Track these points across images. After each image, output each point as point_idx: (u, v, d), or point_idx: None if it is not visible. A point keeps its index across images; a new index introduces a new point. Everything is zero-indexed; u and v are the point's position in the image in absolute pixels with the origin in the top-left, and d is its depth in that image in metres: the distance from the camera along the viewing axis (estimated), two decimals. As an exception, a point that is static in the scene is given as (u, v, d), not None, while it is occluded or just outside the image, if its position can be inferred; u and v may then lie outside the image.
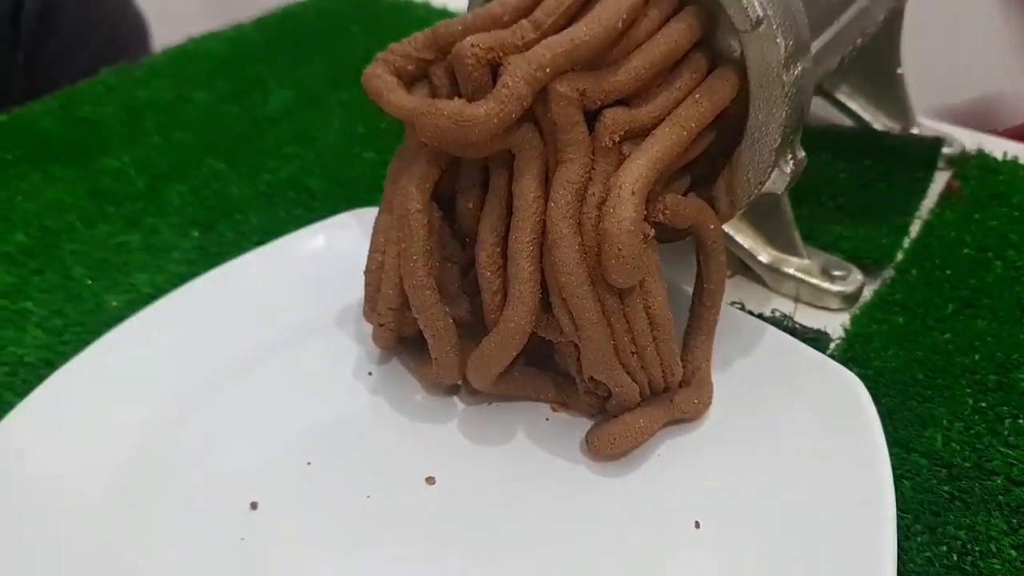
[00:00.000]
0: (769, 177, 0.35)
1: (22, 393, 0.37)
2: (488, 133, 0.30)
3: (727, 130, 0.34)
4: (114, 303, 0.42)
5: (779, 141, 0.33)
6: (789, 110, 0.33)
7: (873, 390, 0.37)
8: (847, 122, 0.55)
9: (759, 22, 0.31)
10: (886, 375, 0.38)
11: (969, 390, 0.38)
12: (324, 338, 0.38)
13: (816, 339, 0.40)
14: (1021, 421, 0.36)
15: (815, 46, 0.38)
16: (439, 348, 0.34)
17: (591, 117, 0.32)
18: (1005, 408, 0.37)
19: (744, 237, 0.44)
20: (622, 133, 0.31)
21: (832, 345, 0.40)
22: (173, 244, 0.46)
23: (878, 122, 0.55)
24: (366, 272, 0.35)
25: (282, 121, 0.56)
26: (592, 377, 0.33)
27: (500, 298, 0.33)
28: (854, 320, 0.41)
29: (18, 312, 0.41)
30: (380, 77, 0.33)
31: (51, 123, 0.55)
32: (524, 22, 0.32)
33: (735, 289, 0.44)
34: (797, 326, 0.41)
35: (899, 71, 0.53)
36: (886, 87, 0.54)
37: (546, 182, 0.32)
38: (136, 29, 0.78)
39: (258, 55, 0.64)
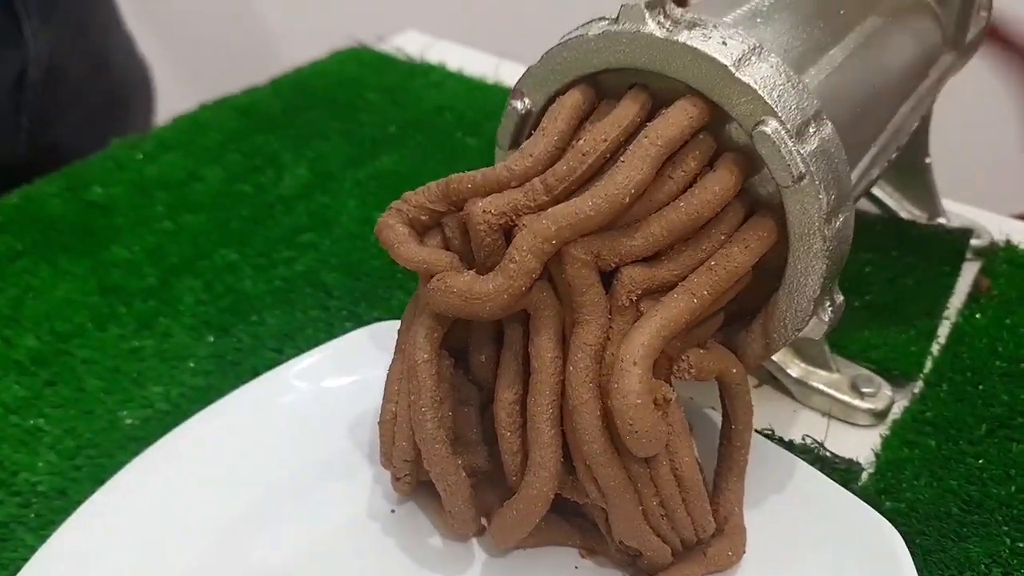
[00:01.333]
0: (807, 324, 0.34)
1: (34, 528, 0.36)
2: (499, 308, 0.30)
3: (765, 273, 0.34)
4: (128, 421, 0.41)
5: (818, 292, 0.32)
6: (829, 263, 0.32)
7: (906, 527, 0.36)
8: (872, 208, 0.54)
9: (801, 177, 0.30)
10: (919, 508, 0.38)
11: (1006, 528, 0.37)
12: (343, 474, 0.37)
13: (847, 470, 0.39)
14: (1060, 567, 0.36)
15: (855, 174, 0.37)
16: (452, 502, 0.33)
17: (609, 274, 0.31)
18: (1043, 550, 0.36)
19: (773, 350, 0.43)
20: (639, 292, 0.31)
21: (864, 475, 0.39)
22: (188, 350, 0.45)
23: (904, 210, 0.54)
24: (380, 423, 0.35)
25: (296, 203, 0.55)
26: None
27: (521, 459, 0.32)
28: (885, 444, 0.40)
29: (30, 431, 0.40)
30: (392, 228, 0.33)
31: (60, 206, 0.54)
32: (536, 182, 0.31)
33: (763, 401, 0.43)
34: (828, 454, 0.40)
35: (927, 160, 0.52)
36: (913, 176, 0.53)
37: (563, 340, 0.31)
38: (141, 78, 0.77)
39: (271, 124, 0.62)
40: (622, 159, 0.30)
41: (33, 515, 0.37)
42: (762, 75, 0.30)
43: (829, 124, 0.31)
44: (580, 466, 0.31)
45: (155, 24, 0.94)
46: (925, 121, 0.49)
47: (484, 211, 0.31)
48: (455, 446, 0.34)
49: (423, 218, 0.33)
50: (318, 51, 0.71)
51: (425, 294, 0.32)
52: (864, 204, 0.54)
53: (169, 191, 0.56)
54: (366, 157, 0.59)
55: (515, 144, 0.37)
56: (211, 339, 0.45)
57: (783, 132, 0.30)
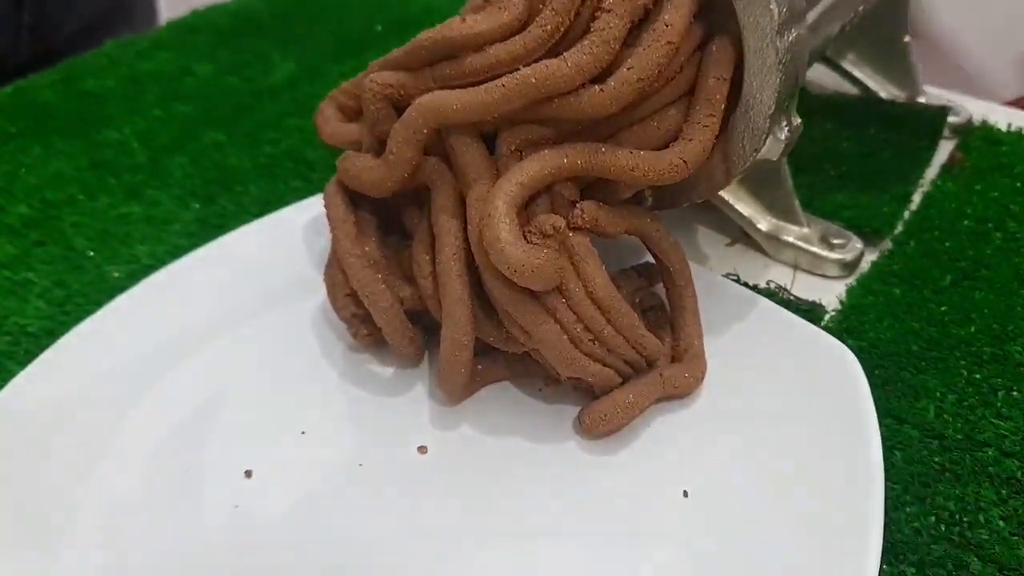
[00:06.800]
0: (764, 144, 0.35)
1: (25, 363, 0.37)
2: (388, 191, 0.34)
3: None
4: (116, 274, 0.42)
5: (773, 108, 0.33)
6: (783, 76, 0.33)
7: (866, 361, 0.37)
8: (852, 90, 0.55)
9: (752, -12, 0.31)
10: (880, 346, 0.38)
11: (964, 362, 0.38)
12: (320, 308, 0.38)
13: (811, 311, 0.40)
14: (1015, 393, 0.36)
15: (813, 13, 0.38)
16: (386, 324, 0.35)
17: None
18: (999, 380, 0.37)
19: (743, 205, 0.44)
20: (517, 143, 0.32)
21: (827, 317, 0.40)
22: (174, 216, 0.46)
23: (884, 90, 0.54)
24: (324, 275, 0.37)
25: (283, 93, 0.56)
26: (567, 373, 0.33)
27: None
28: (850, 291, 0.41)
29: (20, 283, 0.42)
30: (322, 112, 0.40)
31: (53, 96, 0.55)
32: (427, 71, 0.33)
33: (734, 257, 0.44)
34: (792, 298, 0.41)
35: (906, 39, 0.52)
36: (892, 55, 0.53)
37: (463, 203, 0.33)
38: None
39: (262, 27, 0.63)
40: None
41: (23, 351, 0.38)
42: None
43: (781, -61, 0.32)
44: (501, 314, 0.32)
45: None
46: (901, -3, 0.50)
47: (371, 81, 0.34)
48: (396, 282, 0.35)
49: (351, 103, 0.38)
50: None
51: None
52: (843, 85, 0.54)
53: (161, 84, 0.57)
54: (352, 53, 0.60)
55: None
56: (196, 206, 0.47)
57: (734, -58, 0.31)
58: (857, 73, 0.54)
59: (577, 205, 0.32)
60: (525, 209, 0.32)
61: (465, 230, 0.33)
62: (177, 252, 0.43)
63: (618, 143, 0.33)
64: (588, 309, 0.32)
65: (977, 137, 0.51)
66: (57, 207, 0.47)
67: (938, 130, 0.51)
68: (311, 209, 0.42)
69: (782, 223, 0.43)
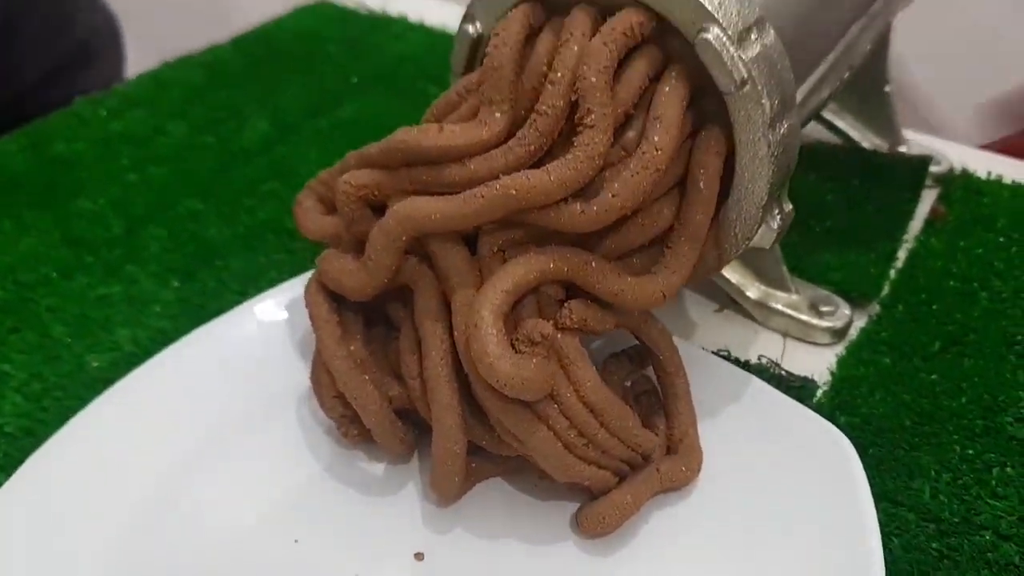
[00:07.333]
0: (756, 233, 0.34)
1: (4, 467, 0.37)
2: (367, 295, 0.34)
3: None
4: (95, 364, 0.41)
5: (766, 198, 0.33)
6: (775, 168, 0.32)
7: (860, 439, 0.37)
8: (834, 139, 0.55)
9: (744, 83, 0.31)
10: (873, 422, 0.38)
11: (956, 436, 0.38)
12: (308, 402, 0.37)
13: (803, 387, 0.40)
14: (1008, 470, 0.36)
15: (803, 89, 0.38)
16: (374, 425, 0.34)
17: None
18: (992, 456, 0.37)
19: (732, 273, 0.43)
20: (499, 244, 0.32)
21: (819, 392, 0.40)
22: (153, 295, 0.45)
23: (866, 140, 0.54)
24: (311, 376, 0.36)
25: (258, 155, 0.55)
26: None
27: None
28: (841, 362, 0.41)
29: (-4, 375, 0.41)
30: (300, 204, 0.39)
31: (22, 163, 0.54)
32: (404, 171, 0.33)
33: (723, 324, 0.44)
34: (784, 373, 0.40)
35: (887, 89, 0.52)
36: (873, 105, 0.53)
37: (446, 304, 0.33)
38: (107, 30, 0.76)
39: (234, 79, 0.62)
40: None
41: (1, 454, 0.37)
42: (702, -17, 0.31)
43: (772, 31, 0.32)
44: (492, 421, 0.32)
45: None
46: (883, 47, 0.50)
47: (346, 183, 0.33)
48: (384, 380, 0.35)
49: (329, 194, 0.37)
50: (280, 7, 0.71)
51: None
52: (825, 135, 0.54)
53: (134, 145, 0.56)
54: (328, 108, 0.59)
55: (469, 68, 0.37)
56: (176, 284, 0.46)
57: (724, 38, 0.30)
58: (839, 123, 0.54)
59: (565, 305, 0.32)
60: (511, 311, 0.31)
61: (451, 333, 0.32)
62: (158, 337, 0.42)
63: (603, 239, 0.32)
64: (581, 414, 0.31)
65: (958, 187, 0.52)
66: (32, 288, 0.45)
67: (920, 181, 0.51)
68: (293, 291, 0.41)
69: (771, 290, 0.43)
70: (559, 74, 0.30)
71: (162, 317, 0.44)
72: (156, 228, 0.49)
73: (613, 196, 0.29)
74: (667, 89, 0.31)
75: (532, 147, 0.30)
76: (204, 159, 0.55)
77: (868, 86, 0.52)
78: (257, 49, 0.65)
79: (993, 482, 0.36)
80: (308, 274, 0.41)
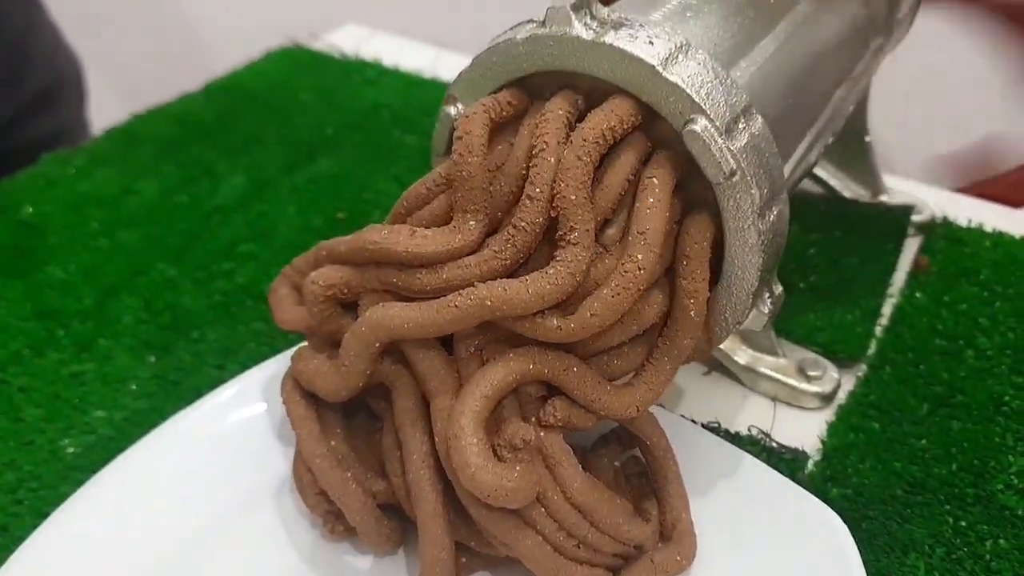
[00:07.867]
0: (747, 317, 0.34)
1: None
2: (341, 398, 0.33)
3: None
4: (71, 450, 0.40)
5: (756, 284, 0.32)
6: (765, 256, 0.32)
7: (852, 513, 0.37)
8: (816, 189, 0.55)
9: (733, 174, 0.30)
10: (865, 493, 0.38)
11: (948, 507, 0.38)
12: (294, 496, 0.36)
13: (794, 460, 0.39)
14: (1002, 542, 0.36)
15: (791, 163, 0.37)
16: (358, 522, 0.33)
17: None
18: (985, 527, 0.37)
19: (719, 338, 0.43)
20: (476, 343, 0.31)
21: (810, 463, 0.40)
22: (128, 372, 0.44)
23: (847, 189, 0.54)
24: (293, 474, 0.35)
25: (234, 214, 0.54)
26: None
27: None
28: (831, 430, 0.41)
29: (-33, 466, 0.39)
30: (275, 292, 0.38)
31: (-10, 228, 0.52)
32: (373, 269, 0.32)
33: (711, 387, 0.44)
34: (774, 445, 0.40)
35: (867, 139, 0.52)
36: (855, 154, 0.53)
37: (426, 404, 0.32)
38: (69, 71, 0.75)
39: (206, 133, 0.61)
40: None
41: (-25, 554, 0.36)
42: (689, 73, 0.30)
43: (759, 118, 0.31)
44: (479, 527, 0.31)
45: (85, 28, 0.91)
46: (863, 101, 0.50)
47: (313, 283, 0.33)
48: (366, 476, 0.34)
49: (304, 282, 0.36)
50: (253, 50, 0.70)
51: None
52: (807, 184, 0.54)
53: (103, 207, 0.54)
54: (303, 161, 0.58)
55: (450, 149, 0.37)
56: (152, 359, 0.44)
57: (712, 130, 0.30)
58: (820, 172, 0.54)
59: (548, 402, 0.31)
60: (492, 413, 0.31)
61: (431, 436, 0.31)
62: (135, 419, 0.41)
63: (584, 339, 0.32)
64: (569, 515, 0.30)
65: (940, 236, 0.52)
66: (3, 367, 0.44)
67: (903, 231, 0.51)
68: (274, 368, 0.40)
69: (758, 355, 0.43)
70: (537, 190, 0.29)
71: (138, 396, 0.43)
72: (129, 297, 0.48)
73: (592, 315, 0.29)
74: (651, 200, 0.30)
75: (508, 261, 0.29)
76: (177, 220, 0.53)
77: (849, 137, 0.52)
78: (229, 99, 0.64)
79: (987, 556, 0.36)
80: (289, 352, 0.40)
